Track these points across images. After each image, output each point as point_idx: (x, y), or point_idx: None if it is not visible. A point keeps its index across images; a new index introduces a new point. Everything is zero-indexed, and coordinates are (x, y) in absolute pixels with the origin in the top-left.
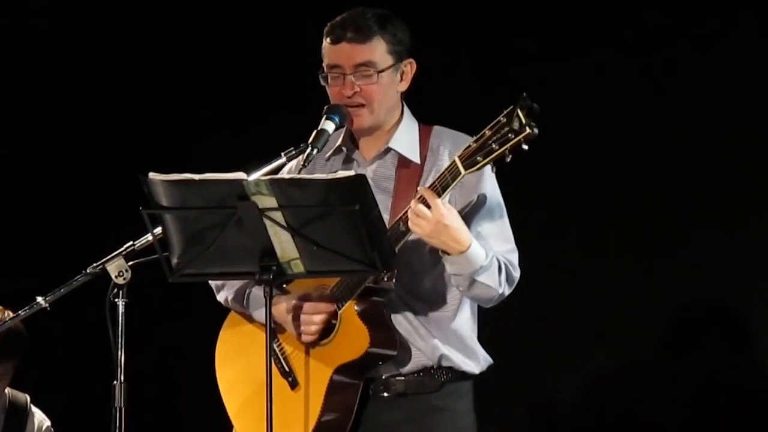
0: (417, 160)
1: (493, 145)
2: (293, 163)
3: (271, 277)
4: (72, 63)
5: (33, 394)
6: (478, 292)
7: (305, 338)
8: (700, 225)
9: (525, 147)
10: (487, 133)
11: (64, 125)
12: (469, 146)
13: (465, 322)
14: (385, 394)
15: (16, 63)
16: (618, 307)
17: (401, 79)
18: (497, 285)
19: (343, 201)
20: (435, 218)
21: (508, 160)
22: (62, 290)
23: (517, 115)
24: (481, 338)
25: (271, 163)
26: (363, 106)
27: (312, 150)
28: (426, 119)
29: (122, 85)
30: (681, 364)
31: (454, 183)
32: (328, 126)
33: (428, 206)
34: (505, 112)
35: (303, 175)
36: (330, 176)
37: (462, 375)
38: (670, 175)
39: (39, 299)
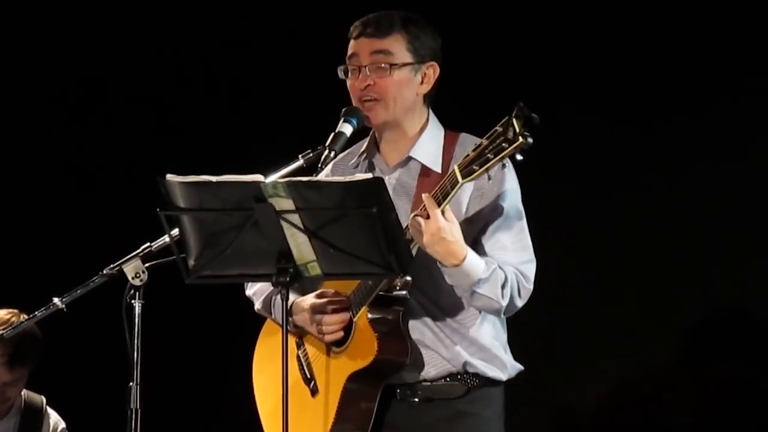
0: (438, 169)
1: (489, 155)
2: (325, 170)
3: (288, 279)
4: (94, 64)
5: (49, 396)
6: (480, 303)
7: (327, 338)
8: (720, 230)
9: (519, 157)
10: (485, 142)
11: (83, 126)
12: (468, 155)
13: (488, 329)
14: (413, 399)
15: (40, 63)
16: (639, 313)
17: (422, 81)
18: (498, 297)
19: (360, 203)
20: (430, 230)
21: (504, 168)
22: (79, 291)
23: (512, 125)
24: None
25: (289, 165)
26: (377, 101)
27: (329, 152)
28: (454, 125)
29: (141, 86)
30: (702, 370)
31: (453, 191)
32: (346, 129)
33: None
34: (502, 121)
35: (320, 178)
36: (347, 179)
37: (489, 381)
38: (684, 182)
39: (55, 300)
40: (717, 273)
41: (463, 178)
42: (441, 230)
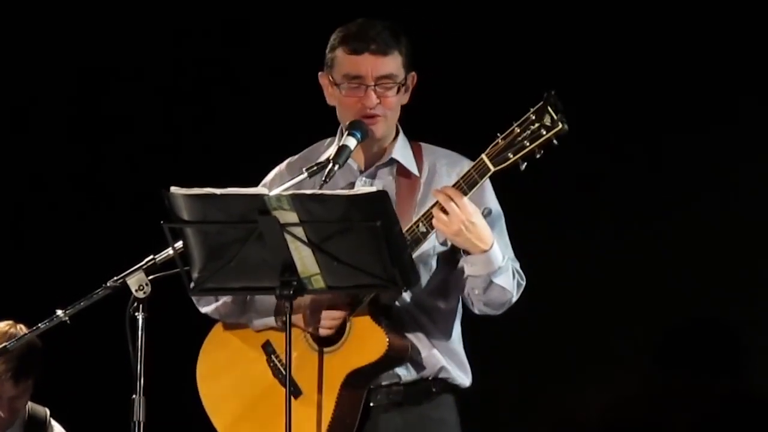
0: (416, 172)
1: (525, 142)
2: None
3: (292, 292)
4: (95, 72)
5: (52, 408)
6: (493, 295)
7: (323, 332)
8: (725, 243)
9: (555, 142)
10: (517, 129)
11: (87, 139)
12: (497, 143)
13: (458, 334)
14: (383, 403)
15: (43, 71)
16: (640, 327)
17: (405, 91)
18: (512, 288)
19: (365, 217)
20: (464, 216)
21: (539, 156)
22: (82, 303)
23: (548, 111)
24: (504, 358)
25: (293, 178)
26: (380, 116)
27: (333, 166)
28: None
29: (144, 97)
30: (703, 384)
31: (482, 180)
32: (350, 142)
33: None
34: (533, 108)
35: (324, 191)
36: (351, 192)
37: (454, 388)
38: (683, 192)
39: (58, 312)
40: (718, 289)
41: (495, 166)
42: (472, 215)
